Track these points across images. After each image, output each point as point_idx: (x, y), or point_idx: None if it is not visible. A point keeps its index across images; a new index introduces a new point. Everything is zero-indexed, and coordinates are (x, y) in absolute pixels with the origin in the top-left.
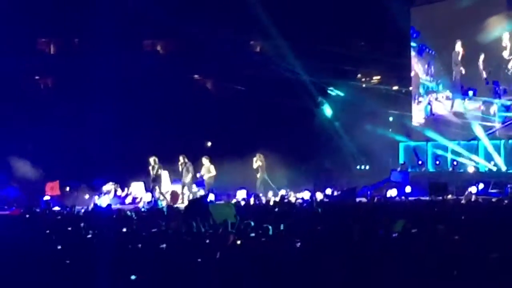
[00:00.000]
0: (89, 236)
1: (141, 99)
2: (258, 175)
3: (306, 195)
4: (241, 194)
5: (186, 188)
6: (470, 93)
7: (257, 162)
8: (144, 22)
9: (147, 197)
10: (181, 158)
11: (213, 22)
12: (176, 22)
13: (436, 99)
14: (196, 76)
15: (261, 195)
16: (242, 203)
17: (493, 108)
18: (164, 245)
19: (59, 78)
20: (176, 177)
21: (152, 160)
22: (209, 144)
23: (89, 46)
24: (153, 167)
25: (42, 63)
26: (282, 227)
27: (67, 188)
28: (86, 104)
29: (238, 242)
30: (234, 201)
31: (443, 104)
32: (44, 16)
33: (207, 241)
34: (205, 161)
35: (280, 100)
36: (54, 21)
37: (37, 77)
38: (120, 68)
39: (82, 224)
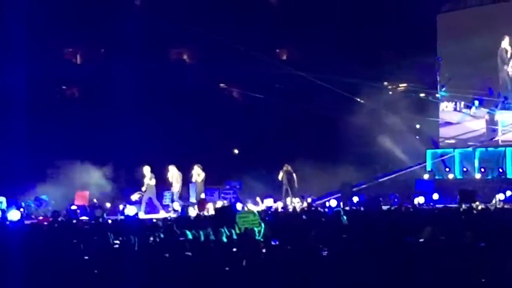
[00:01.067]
0: (116, 246)
1: (167, 108)
2: (284, 185)
3: (333, 203)
4: (268, 202)
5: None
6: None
7: (283, 172)
8: (170, 31)
9: (176, 205)
10: (171, 169)
11: (239, 30)
12: (202, 31)
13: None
14: (222, 84)
15: (289, 203)
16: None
17: None
18: (190, 253)
19: (86, 87)
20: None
21: (145, 169)
22: (236, 151)
23: (115, 55)
24: (144, 176)
25: (68, 73)
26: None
27: (94, 199)
28: (113, 113)
29: (264, 250)
30: (258, 208)
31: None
32: (71, 26)
33: (234, 249)
34: (196, 168)
35: (307, 108)
36: (81, 31)
37: (63, 87)
38: (146, 77)
39: (109, 234)
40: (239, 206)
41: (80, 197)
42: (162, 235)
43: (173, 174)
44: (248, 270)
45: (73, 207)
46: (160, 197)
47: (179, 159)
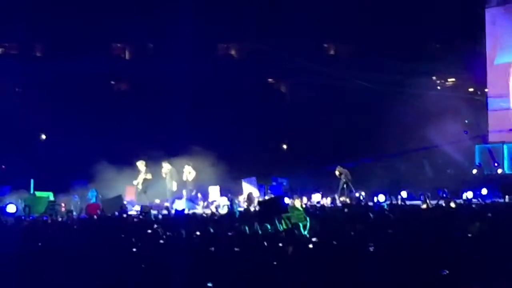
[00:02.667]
0: (162, 240)
1: (214, 103)
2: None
3: (381, 198)
4: (316, 197)
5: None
6: None
7: (339, 172)
8: (218, 26)
9: (223, 200)
10: (165, 165)
11: (287, 25)
12: (249, 26)
13: None
14: (270, 80)
15: (340, 198)
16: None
17: None
18: (238, 249)
19: (134, 82)
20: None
21: (140, 164)
22: (285, 146)
23: (163, 51)
24: (140, 171)
25: (117, 68)
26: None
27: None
28: (161, 108)
29: (310, 245)
30: (301, 203)
31: None
32: (119, 21)
33: (280, 244)
34: (187, 167)
35: (356, 103)
36: (129, 26)
37: (112, 82)
38: (194, 72)
39: (155, 227)
40: (286, 200)
41: (129, 191)
42: (211, 230)
43: (168, 170)
44: (294, 265)
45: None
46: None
47: (228, 154)
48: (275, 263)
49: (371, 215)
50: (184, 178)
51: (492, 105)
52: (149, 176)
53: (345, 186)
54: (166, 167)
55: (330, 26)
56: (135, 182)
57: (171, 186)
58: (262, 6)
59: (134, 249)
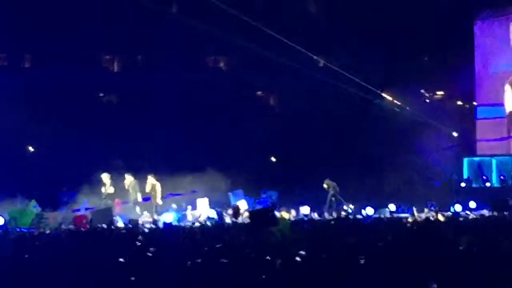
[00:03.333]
0: (150, 253)
1: (204, 115)
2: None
3: (369, 211)
4: (304, 210)
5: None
6: None
7: (327, 185)
8: (207, 38)
9: (212, 213)
10: (127, 177)
11: (276, 37)
12: (238, 38)
13: None
14: (259, 92)
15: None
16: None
17: None
18: (226, 260)
19: (123, 94)
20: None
21: (104, 176)
22: (274, 159)
23: (152, 63)
24: (104, 184)
25: (106, 80)
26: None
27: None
28: (150, 120)
29: (298, 258)
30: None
31: None
32: (108, 33)
33: (268, 257)
34: (150, 179)
35: (345, 115)
36: (118, 38)
37: (101, 94)
38: (183, 84)
39: (140, 238)
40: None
41: (116, 204)
42: (198, 242)
43: (130, 182)
44: (282, 278)
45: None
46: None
47: (216, 166)
48: (263, 276)
49: (359, 227)
50: (148, 190)
51: (481, 114)
52: (111, 190)
53: (333, 198)
54: (128, 179)
55: (320, 37)
56: (103, 196)
57: (136, 197)
58: (249, 18)
59: (122, 260)
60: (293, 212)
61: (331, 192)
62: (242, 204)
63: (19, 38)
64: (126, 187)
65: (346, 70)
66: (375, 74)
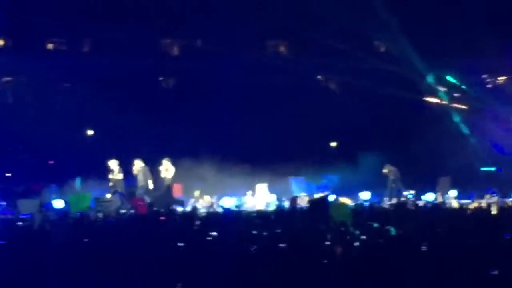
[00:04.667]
0: (210, 237)
1: (263, 100)
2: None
3: (430, 196)
4: (364, 196)
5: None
6: None
7: (388, 170)
8: (267, 22)
9: (271, 198)
10: (136, 163)
11: (336, 22)
12: (299, 22)
13: None
14: (319, 76)
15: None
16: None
17: None
18: (284, 245)
19: (182, 79)
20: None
21: (112, 163)
22: (334, 144)
23: (211, 47)
24: (112, 171)
25: (165, 64)
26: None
27: (194, 193)
28: (209, 105)
29: (356, 243)
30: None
31: None
32: (167, 17)
33: (328, 242)
34: (165, 162)
35: (406, 101)
36: (177, 22)
37: (160, 78)
38: (243, 69)
39: (198, 223)
40: (332, 198)
41: (177, 189)
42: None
43: (140, 168)
44: (342, 263)
45: None
46: None
47: (276, 152)
48: (324, 261)
49: (419, 213)
50: (162, 175)
51: None
52: (119, 177)
53: (393, 184)
54: (138, 164)
55: (381, 22)
56: (111, 184)
57: (145, 184)
58: (313, 3)
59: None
60: (362, 195)
61: (392, 177)
62: (302, 198)
63: (78, 23)
64: (136, 172)
65: (407, 55)
66: (436, 59)
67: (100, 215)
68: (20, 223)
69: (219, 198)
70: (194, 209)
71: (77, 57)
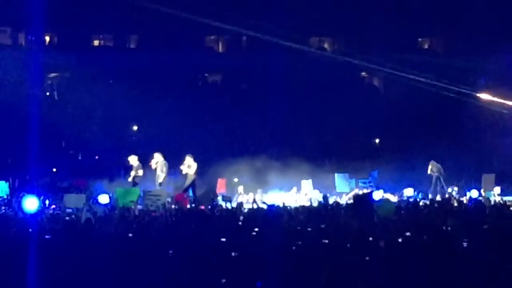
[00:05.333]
0: (254, 233)
1: (308, 96)
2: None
3: (473, 193)
4: (408, 192)
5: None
6: None
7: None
8: (311, 19)
9: (316, 194)
10: (155, 156)
11: (382, 18)
12: (343, 19)
13: None
14: (363, 73)
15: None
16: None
17: None
18: (327, 241)
19: (227, 74)
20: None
21: (132, 159)
22: (377, 141)
23: (256, 44)
24: (133, 168)
25: (211, 60)
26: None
27: (238, 189)
28: (254, 101)
29: (400, 239)
30: (393, 199)
31: None
32: (212, 14)
33: (370, 238)
34: (188, 158)
35: (451, 98)
36: (222, 19)
37: (206, 74)
38: (287, 65)
39: (242, 218)
40: (378, 194)
41: (220, 184)
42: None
43: (158, 162)
44: (386, 259)
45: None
46: None
47: (321, 148)
48: (366, 258)
49: (463, 210)
50: (184, 171)
51: None
52: (140, 173)
53: (437, 181)
54: (157, 158)
55: (425, 21)
56: (129, 179)
57: (159, 178)
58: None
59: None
60: (406, 191)
61: (436, 174)
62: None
63: (125, 19)
64: (154, 166)
65: (450, 53)
66: (483, 53)
67: (146, 209)
68: (67, 218)
69: (263, 194)
70: (239, 205)
71: (122, 53)
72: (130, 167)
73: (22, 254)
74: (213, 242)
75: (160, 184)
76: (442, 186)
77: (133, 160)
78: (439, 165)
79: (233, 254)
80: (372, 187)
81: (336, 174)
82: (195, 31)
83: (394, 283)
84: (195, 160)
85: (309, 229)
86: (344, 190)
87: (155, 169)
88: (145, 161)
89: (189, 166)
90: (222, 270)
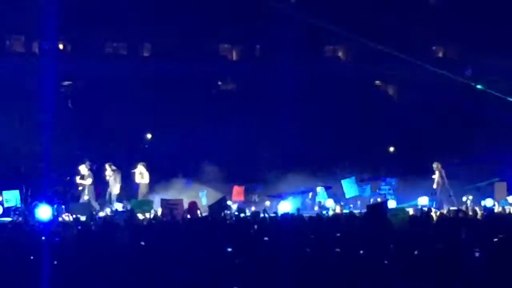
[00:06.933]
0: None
1: (321, 105)
2: (438, 184)
3: (488, 202)
4: (423, 201)
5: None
6: None
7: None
8: (325, 28)
9: (329, 202)
10: (107, 167)
11: (394, 26)
12: (356, 28)
13: None
14: (377, 82)
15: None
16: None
17: None
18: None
19: (241, 83)
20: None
21: (82, 168)
22: (392, 149)
23: (270, 52)
24: (108, 174)
25: (224, 69)
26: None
27: (253, 197)
28: (267, 109)
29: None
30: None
31: None
32: (226, 22)
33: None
34: (140, 167)
35: (464, 106)
36: (236, 27)
37: (219, 82)
38: (300, 74)
39: (256, 226)
40: (392, 203)
41: (237, 192)
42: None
43: (109, 174)
44: (401, 266)
45: (229, 202)
46: None
47: (333, 156)
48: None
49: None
50: (137, 180)
51: None
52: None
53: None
54: (109, 169)
55: (438, 27)
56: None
57: (115, 189)
58: (369, 8)
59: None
60: (420, 200)
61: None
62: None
63: (139, 27)
64: (107, 178)
65: (465, 59)
66: (494, 65)
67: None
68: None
69: (277, 202)
70: (254, 214)
71: (136, 61)
72: (80, 175)
73: (34, 261)
74: (224, 250)
75: (116, 194)
76: (450, 195)
77: (83, 169)
78: (443, 173)
79: (243, 262)
80: (391, 194)
81: (342, 181)
82: (209, 40)
83: None
84: (147, 168)
85: (323, 237)
86: (353, 194)
87: (109, 180)
88: (157, 169)
89: (140, 173)
90: (233, 279)
